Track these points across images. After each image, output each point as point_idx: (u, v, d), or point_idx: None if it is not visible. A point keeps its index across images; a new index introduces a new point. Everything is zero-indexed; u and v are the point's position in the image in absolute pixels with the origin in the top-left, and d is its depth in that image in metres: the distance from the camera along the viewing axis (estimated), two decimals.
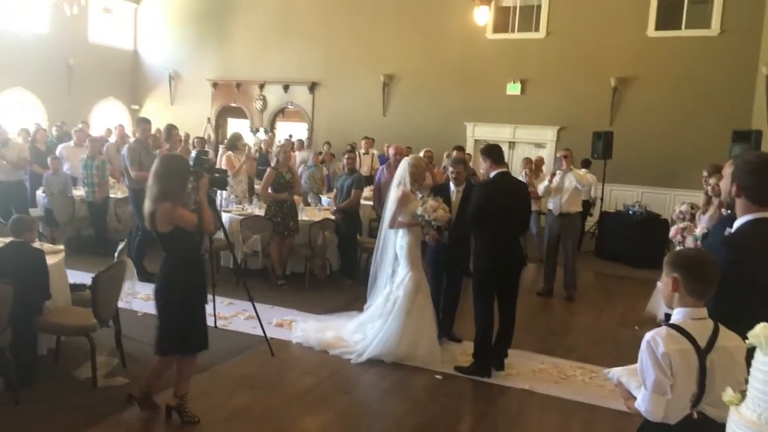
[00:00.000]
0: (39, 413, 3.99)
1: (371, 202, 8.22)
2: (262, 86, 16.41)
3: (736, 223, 2.54)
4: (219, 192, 8.03)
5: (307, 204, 8.72)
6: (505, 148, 5.43)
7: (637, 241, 9.89)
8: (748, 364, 1.89)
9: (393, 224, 5.24)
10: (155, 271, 7.43)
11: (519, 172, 9.97)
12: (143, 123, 7.78)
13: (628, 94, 13.02)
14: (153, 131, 11.02)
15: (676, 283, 2.23)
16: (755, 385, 1.79)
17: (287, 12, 15.90)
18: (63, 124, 12.32)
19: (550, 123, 13.62)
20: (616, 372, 2.41)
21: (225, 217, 7.40)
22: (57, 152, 9.76)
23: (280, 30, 15.95)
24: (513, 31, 14.02)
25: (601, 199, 11.38)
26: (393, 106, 15.10)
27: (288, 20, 15.87)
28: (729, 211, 3.51)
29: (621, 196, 12.51)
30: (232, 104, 16.94)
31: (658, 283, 6.06)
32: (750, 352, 1.87)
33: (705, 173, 6.23)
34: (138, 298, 6.06)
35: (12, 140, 9.15)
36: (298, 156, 12.50)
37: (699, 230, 5.13)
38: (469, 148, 13.72)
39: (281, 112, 16.79)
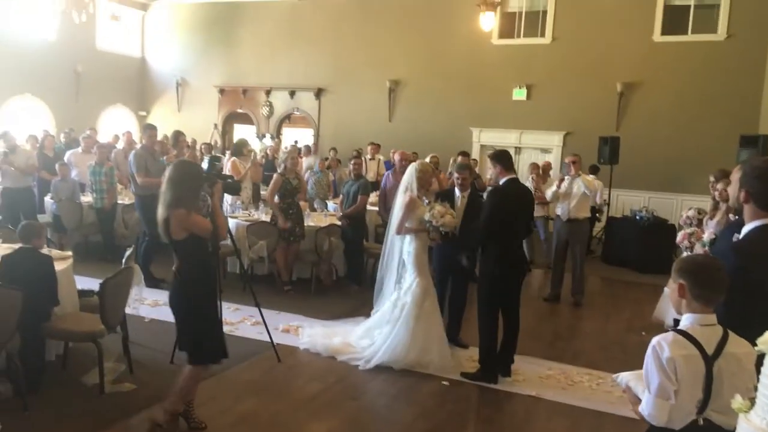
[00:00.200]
0: (47, 419, 4.01)
1: (377, 208, 8.23)
2: (268, 92, 16.47)
3: (744, 229, 2.53)
4: (224, 198, 8.05)
5: (314, 209, 8.74)
6: (511, 153, 5.41)
7: (644, 246, 9.85)
8: (758, 371, 1.88)
9: (400, 230, 5.25)
10: (163, 276, 7.56)
11: (526, 178, 9.97)
12: (149, 129, 7.83)
13: (635, 99, 12.99)
14: (160, 137, 11.12)
15: (683, 289, 2.23)
16: (764, 392, 1.78)
17: (294, 19, 15.97)
18: (71, 131, 12.40)
19: (556, 128, 13.61)
20: (625, 377, 2.41)
21: (231, 223, 7.42)
22: (65, 158, 9.83)
23: (287, 36, 16.02)
24: (519, 36, 14.02)
25: (608, 203, 11.33)
26: (399, 111, 15.12)
27: (294, 27, 15.94)
28: (737, 217, 3.50)
29: (628, 201, 12.47)
30: (239, 110, 17.00)
31: (665, 289, 6.07)
32: (760, 359, 1.86)
33: (712, 178, 6.20)
34: (145, 304, 6.10)
35: (20, 147, 9.22)
36: (305, 162, 12.54)
37: (707, 236, 5.11)
38: (475, 154, 13.73)
39: (287, 118, 16.84)
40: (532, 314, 7.19)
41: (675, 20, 12.78)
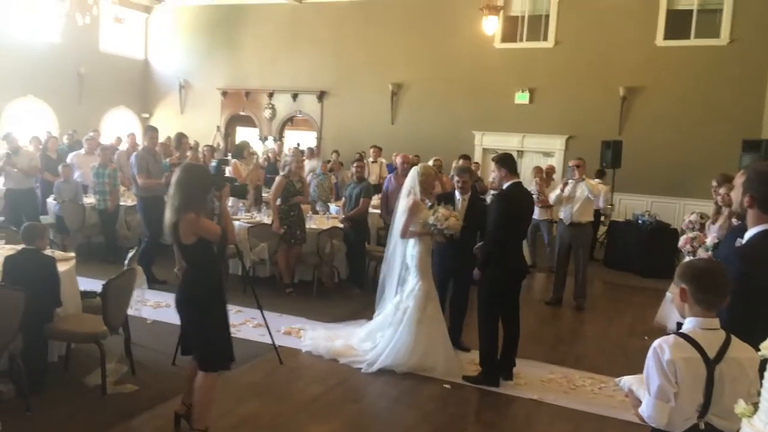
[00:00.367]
0: (49, 420, 4.01)
1: (379, 211, 8.23)
2: (271, 95, 16.50)
3: (748, 234, 2.53)
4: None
5: (316, 212, 8.74)
6: (514, 157, 5.46)
7: (647, 250, 9.84)
8: (761, 376, 1.88)
9: (404, 233, 5.24)
10: (164, 278, 7.57)
11: (529, 181, 9.97)
12: (151, 131, 7.85)
13: (637, 104, 13.00)
14: (163, 139, 11.14)
15: (684, 293, 2.24)
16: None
17: (296, 21, 16.01)
18: (74, 133, 12.44)
19: (559, 132, 13.61)
20: (627, 380, 2.42)
21: None
22: (68, 160, 9.84)
23: (289, 39, 16.06)
24: (521, 40, 14.04)
25: (611, 205, 11.33)
26: (401, 114, 15.14)
27: (297, 29, 15.98)
28: (739, 222, 3.50)
29: (630, 205, 12.46)
30: (242, 113, 17.03)
31: (668, 294, 6.06)
32: (763, 364, 1.86)
33: (714, 183, 6.20)
34: (147, 305, 6.11)
35: (23, 148, 9.25)
36: (307, 164, 12.54)
37: (710, 240, 5.11)
38: (477, 157, 13.73)
39: (290, 121, 16.87)
40: (534, 318, 7.19)
41: (678, 25, 12.79)
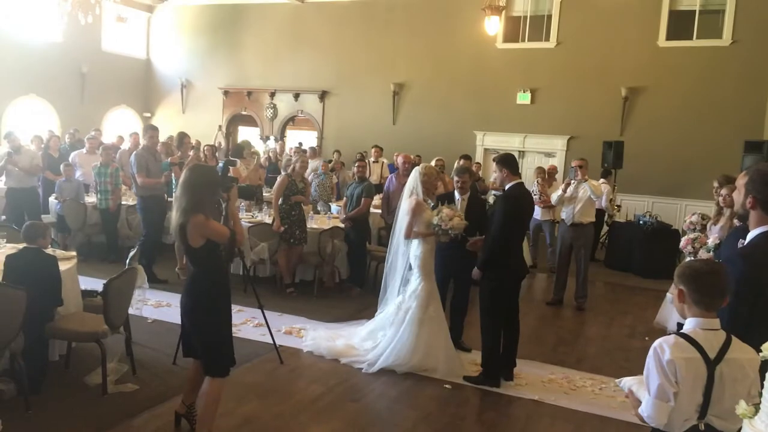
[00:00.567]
0: (49, 419, 4.01)
1: (380, 211, 8.23)
2: (272, 94, 16.51)
3: (750, 235, 2.53)
4: None
5: (317, 212, 8.75)
6: (515, 157, 5.48)
7: (648, 251, 9.84)
8: (761, 377, 1.88)
9: (409, 234, 5.24)
10: (165, 277, 7.57)
11: (531, 182, 9.97)
12: (151, 130, 7.85)
13: (639, 104, 12.98)
14: (165, 139, 11.14)
15: (682, 295, 2.25)
16: None
17: (298, 21, 16.01)
18: (76, 132, 12.43)
19: (560, 132, 13.60)
20: (627, 381, 2.42)
21: None
22: (70, 159, 9.86)
23: (291, 39, 16.07)
24: (523, 40, 14.04)
25: (618, 205, 11.33)
26: (403, 114, 15.14)
27: (299, 29, 15.99)
28: (741, 223, 3.49)
29: (631, 206, 12.46)
30: (243, 112, 17.05)
31: (668, 294, 6.06)
32: (764, 365, 1.86)
33: (716, 184, 6.18)
34: (148, 304, 6.11)
35: (24, 147, 9.25)
36: (310, 164, 12.54)
37: (711, 241, 5.10)
38: (479, 157, 13.74)
39: (291, 120, 16.88)
40: (535, 318, 7.19)
41: (680, 25, 12.78)
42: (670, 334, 2.39)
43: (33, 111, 14.82)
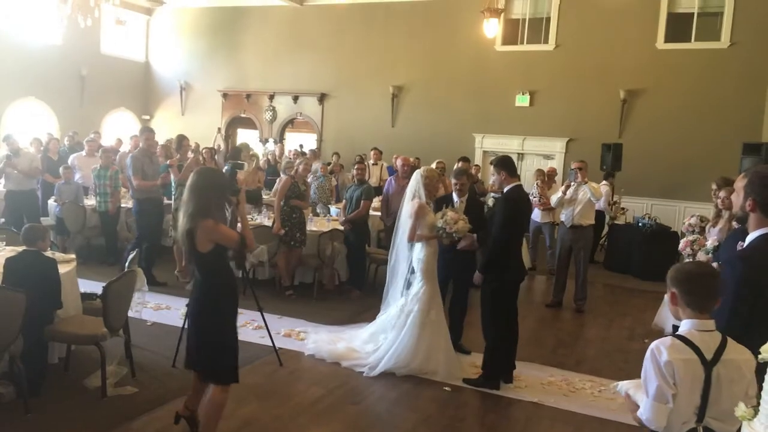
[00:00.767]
0: (49, 422, 4.01)
1: (380, 213, 8.23)
2: (271, 97, 16.51)
3: (749, 237, 2.54)
4: None
5: (316, 214, 8.75)
6: (513, 159, 5.49)
7: (647, 253, 9.84)
8: (759, 379, 1.89)
9: (412, 237, 5.24)
10: (165, 280, 7.55)
11: (531, 184, 9.98)
12: (147, 132, 7.84)
13: (638, 106, 13.00)
14: (163, 141, 11.13)
15: (675, 297, 2.25)
16: None
17: (297, 24, 16.02)
18: (75, 134, 12.44)
19: (559, 135, 13.61)
20: (624, 385, 2.42)
21: None
22: (69, 162, 9.85)
23: (291, 41, 16.07)
24: (522, 43, 14.05)
25: (623, 208, 11.33)
26: (402, 117, 15.15)
27: (298, 32, 16.00)
28: (739, 225, 3.50)
29: (630, 208, 12.45)
30: (242, 115, 17.05)
31: (666, 296, 6.06)
32: (763, 367, 1.86)
33: (714, 186, 6.20)
34: (148, 307, 6.11)
35: (23, 150, 9.25)
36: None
37: (710, 243, 5.11)
38: (478, 159, 13.74)
39: (291, 123, 16.88)
40: (534, 320, 7.19)
41: (678, 28, 12.80)
42: (667, 335, 2.40)
43: (32, 113, 14.82)
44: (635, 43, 12.86)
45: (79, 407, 4.24)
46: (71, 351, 4.87)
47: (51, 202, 9.21)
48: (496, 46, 13.97)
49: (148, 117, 17.89)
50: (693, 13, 12.69)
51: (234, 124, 17.48)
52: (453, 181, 5.82)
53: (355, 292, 7.64)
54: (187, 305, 5.24)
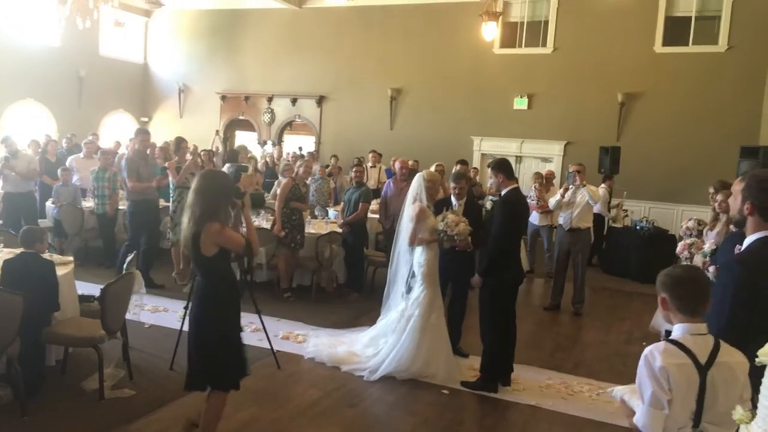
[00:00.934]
0: (46, 425, 4.00)
1: (378, 216, 8.23)
2: (270, 99, 16.52)
3: (747, 241, 2.54)
4: None
5: (314, 217, 8.75)
6: (511, 162, 5.50)
7: (644, 256, 9.84)
8: (758, 382, 1.88)
9: (413, 241, 5.23)
10: (162, 282, 7.54)
11: (528, 187, 9.99)
12: (141, 134, 7.83)
13: (636, 110, 13.03)
14: (162, 143, 11.14)
15: (665, 302, 2.24)
16: (765, 403, 1.78)
17: (296, 26, 16.04)
18: (73, 136, 12.43)
19: (557, 138, 13.64)
20: (619, 390, 2.41)
21: None
22: (67, 164, 9.84)
23: (289, 44, 16.09)
24: (520, 46, 14.08)
25: (626, 210, 11.34)
26: (400, 119, 15.16)
27: (296, 34, 16.01)
28: (737, 228, 3.50)
29: (629, 211, 12.47)
30: (241, 117, 17.05)
31: None
32: (761, 370, 1.87)
33: (711, 190, 6.21)
34: (146, 309, 6.10)
35: (21, 152, 9.24)
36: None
37: (707, 246, 5.11)
38: (476, 162, 13.76)
39: (289, 125, 16.89)
40: (532, 323, 7.19)
41: (676, 31, 12.84)
42: (661, 339, 2.39)
43: (30, 115, 14.81)
44: (633, 47, 12.90)
45: (76, 410, 4.23)
46: (69, 353, 4.85)
47: (49, 203, 9.20)
48: (494, 49, 14.00)
49: (146, 119, 17.88)
50: (691, 17, 12.73)
51: (232, 126, 17.48)
52: (452, 185, 5.81)
53: (353, 294, 7.64)
54: (185, 307, 5.26)
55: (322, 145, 15.87)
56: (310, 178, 10.53)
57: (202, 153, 11.09)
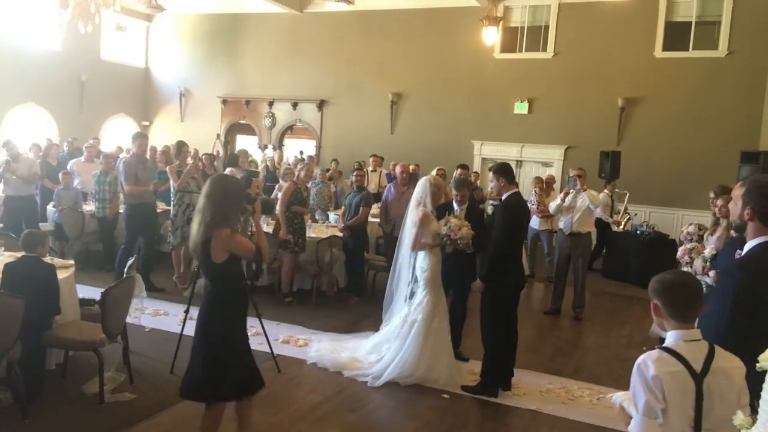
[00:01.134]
0: (46, 428, 4.00)
1: (379, 220, 8.23)
2: (271, 103, 16.55)
3: (748, 246, 2.54)
4: None
5: (315, 221, 8.75)
6: (512, 166, 5.52)
7: (645, 261, 9.84)
8: (752, 387, 1.88)
9: (416, 246, 5.23)
10: (163, 286, 7.53)
11: (529, 191, 9.99)
12: (139, 138, 7.84)
13: (636, 114, 13.05)
14: (163, 147, 11.15)
15: (657, 309, 2.23)
16: (766, 407, 1.78)
17: (296, 31, 16.08)
18: (74, 140, 12.45)
19: (558, 142, 13.65)
20: (619, 397, 2.40)
21: None
22: (68, 167, 9.85)
23: (290, 48, 16.13)
24: (521, 50, 14.11)
25: (629, 213, 11.33)
26: (401, 124, 15.18)
27: (297, 39, 16.05)
28: (737, 233, 3.51)
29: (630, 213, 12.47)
30: (242, 121, 17.08)
31: None
32: (760, 375, 1.86)
33: (712, 194, 6.21)
34: (146, 313, 6.10)
35: (23, 155, 9.25)
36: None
37: (707, 251, 5.11)
38: (476, 167, 13.77)
39: (290, 129, 16.91)
40: (532, 328, 7.19)
41: (676, 36, 12.87)
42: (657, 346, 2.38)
43: (32, 119, 14.84)
44: (633, 52, 12.92)
45: (76, 413, 4.23)
46: (69, 357, 4.86)
47: (50, 207, 9.20)
48: (494, 54, 14.03)
49: (147, 123, 17.91)
50: (691, 22, 12.76)
51: (233, 130, 17.51)
52: (454, 192, 5.80)
53: (353, 298, 7.63)
54: (186, 311, 5.26)
55: (323, 149, 15.89)
56: (310, 182, 10.55)
57: (203, 157, 11.12)
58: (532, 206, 9.22)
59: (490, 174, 5.19)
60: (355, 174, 8.16)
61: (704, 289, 4.28)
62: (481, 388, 5.04)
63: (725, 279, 2.73)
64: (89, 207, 9.06)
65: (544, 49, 13.81)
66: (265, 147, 16.40)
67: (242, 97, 16.79)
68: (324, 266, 7.44)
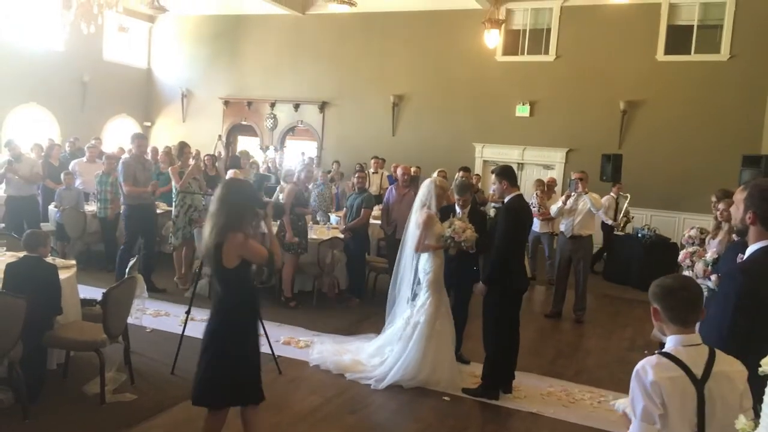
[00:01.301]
0: (47, 428, 4.00)
1: (380, 221, 8.23)
2: (273, 105, 16.55)
3: (749, 250, 2.54)
4: None
5: (316, 222, 8.75)
6: (514, 169, 5.52)
7: (646, 264, 9.83)
8: (754, 391, 1.87)
9: (419, 248, 5.23)
10: (164, 287, 7.53)
11: (530, 194, 9.99)
12: (138, 138, 7.85)
13: (638, 118, 13.05)
14: (164, 148, 11.16)
15: (657, 313, 2.21)
16: None
17: (299, 32, 16.10)
18: (76, 140, 12.46)
19: (559, 145, 13.65)
20: (621, 403, 2.38)
21: None
22: (70, 168, 9.87)
23: (292, 50, 16.14)
24: (522, 53, 14.11)
25: (630, 215, 11.33)
26: (402, 126, 15.19)
27: (299, 40, 16.07)
28: (739, 237, 3.51)
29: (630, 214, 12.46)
30: (243, 122, 17.08)
31: None
32: (762, 379, 1.86)
33: (714, 198, 6.21)
34: (147, 314, 6.10)
35: (25, 155, 9.26)
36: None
37: (709, 255, 5.11)
38: (478, 169, 13.77)
39: (291, 131, 16.92)
40: (534, 330, 7.19)
41: (678, 40, 12.86)
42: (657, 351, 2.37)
43: (34, 119, 14.85)
44: (635, 55, 12.92)
45: (77, 414, 4.23)
46: (70, 357, 4.86)
47: (51, 207, 9.21)
48: (496, 57, 14.04)
49: (149, 124, 17.93)
50: (693, 26, 12.76)
51: (235, 131, 17.51)
52: (456, 197, 5.79)
53: (354, 300, 7.64)
54: (187, 312, 5.26)
55: (325, 151, 15.90)
56: (312, 184, 10.56)
57: (205, 158, 11.13)
58: (533, 209, 9.21)
59: (492, 176, 5.19)
60: (356, 176, 8.17)
61: (705, 293, 4.29)
62: (483, 390, 5.04)
63: (727, 283, 2.72)
64: (91, 207, 9.07)
65: (546, 52, 13.81)
66: (267, 148, 16.41)
67: (244, 98, 16.81)
68: (325, 268, 7.45)
